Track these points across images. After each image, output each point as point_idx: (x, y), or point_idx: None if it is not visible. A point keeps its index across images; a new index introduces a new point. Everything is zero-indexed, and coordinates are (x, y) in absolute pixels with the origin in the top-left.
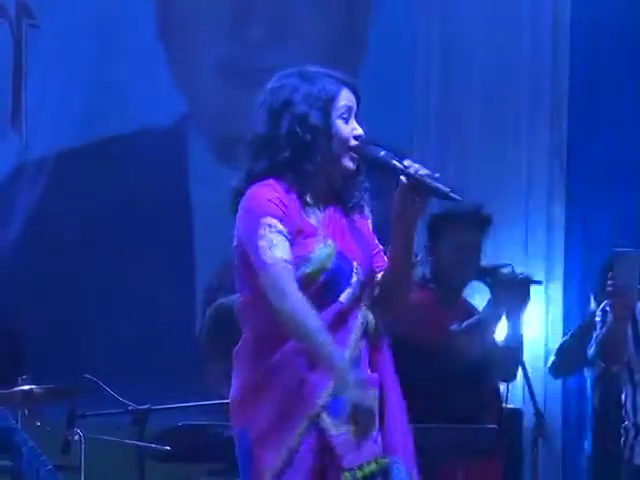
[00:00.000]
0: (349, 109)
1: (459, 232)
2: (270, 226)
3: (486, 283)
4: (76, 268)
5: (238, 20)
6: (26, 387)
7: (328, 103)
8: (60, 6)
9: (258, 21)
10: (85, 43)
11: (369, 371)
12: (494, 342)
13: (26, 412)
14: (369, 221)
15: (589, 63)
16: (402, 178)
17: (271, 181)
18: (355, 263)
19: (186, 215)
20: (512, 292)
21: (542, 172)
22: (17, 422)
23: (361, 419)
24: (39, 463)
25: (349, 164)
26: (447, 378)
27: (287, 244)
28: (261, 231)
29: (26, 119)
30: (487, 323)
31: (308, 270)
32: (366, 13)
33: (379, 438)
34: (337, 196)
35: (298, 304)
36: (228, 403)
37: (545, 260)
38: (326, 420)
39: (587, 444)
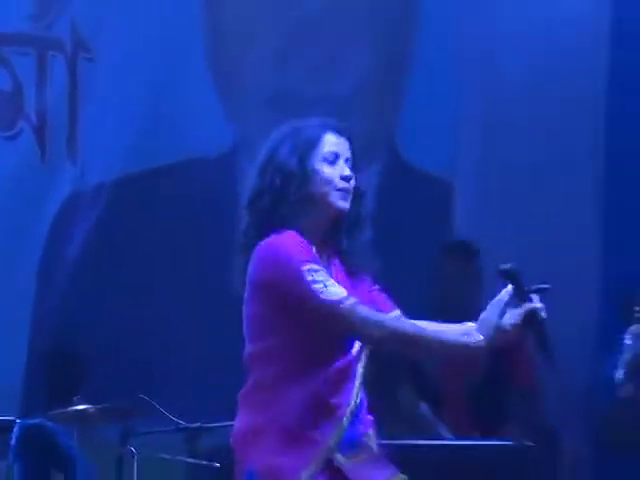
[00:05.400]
0: (334, 154)
1: None
2: (315, 270)
3: None
4: (131, 291)
5: (287, 51)
6: (81, 407)
7: (308, 149)
8: (114, 41)
9: (305, 52)
10: (137, 76)
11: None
12: None
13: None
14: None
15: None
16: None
17: (291, 232)
18: None
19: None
20: None
21: (581, 194)
22: (73, 440)
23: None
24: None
25: (340, 203)
26: None
27: (334, 281)
28: (308, 277)
29: (81, 147)
30: None
31: None
32: (409, 39)
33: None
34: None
35: (392, 324)
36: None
37: None
38: (339, 458)
39: None
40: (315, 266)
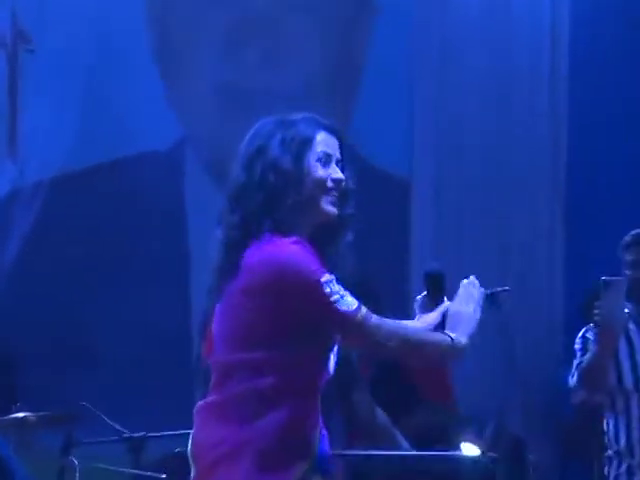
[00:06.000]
0: (327, 155)
1: None
2: (330, 281)
3: None
4: (72, 293)
5: (233, 44)
6: (20, 414)
7: (302, 146)
8: (56, 32)
9: (253, 44)
10: (80, 68)
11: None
12: None
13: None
14: None
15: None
16: None
17: (296, 238)
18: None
19: (182, 239)
20: None
21: (542, 199)
22: (11, 449)
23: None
24: None
25: (329, 208)
26: None
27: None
28: (326, 289)
29: (21, 145)
30: None
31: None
32: (363, 36)
33: None
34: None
35: (401, 333)
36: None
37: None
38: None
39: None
40: (329, 276)
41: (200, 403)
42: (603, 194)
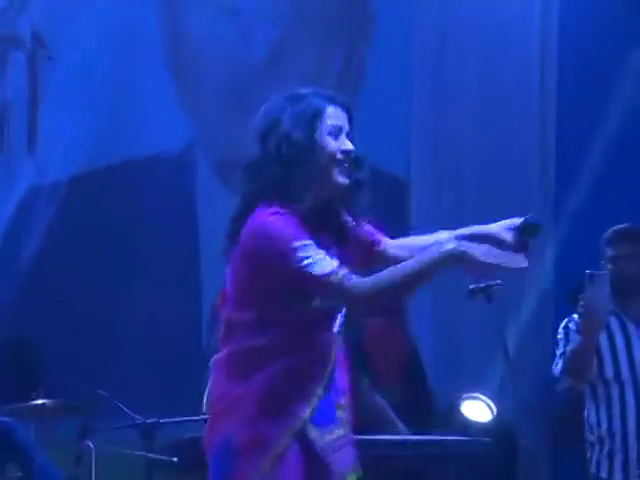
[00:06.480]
0: (337, 127)
1: None
2: (305, 246)
3: None
4: (88, 287)
5: (242, 49)
6: (39, 401)
7: (313, 120)
8: (73, 38)
9: (261, 50)
10: (96, 74)
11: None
12: None
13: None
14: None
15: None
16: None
17: (278, 208)
18: None
19: (193, 237)
20: None
21: (535, 198)
22: (31, 435)
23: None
24: (51, 475)
25: (340, 178)
26: None
27: (324, 253)
28: (299, 254)
29: (41, 145)
30: None
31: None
32: (364, 42)
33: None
34: (324, 225)
35: (373, 284)
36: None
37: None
38: (312, 431)
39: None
40: (305, 241)
41: (214, 357)
42: (591, 198)
